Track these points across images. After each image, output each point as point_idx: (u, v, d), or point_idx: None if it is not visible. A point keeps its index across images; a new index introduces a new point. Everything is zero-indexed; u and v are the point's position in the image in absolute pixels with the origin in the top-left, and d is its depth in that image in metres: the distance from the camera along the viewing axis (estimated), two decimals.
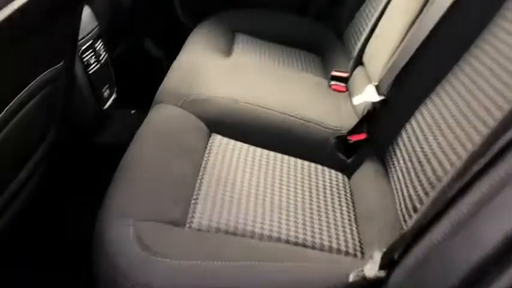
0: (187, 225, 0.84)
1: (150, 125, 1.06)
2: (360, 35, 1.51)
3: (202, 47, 1.53)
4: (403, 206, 0.87)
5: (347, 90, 1.40)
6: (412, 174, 0.90)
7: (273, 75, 1.37)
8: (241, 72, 1.34)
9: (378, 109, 1.10)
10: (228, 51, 1.56)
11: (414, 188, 0.86)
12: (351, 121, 1.19)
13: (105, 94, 1.31)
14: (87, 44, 1.22)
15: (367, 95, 1.09)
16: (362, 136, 1.13)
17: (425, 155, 0.88)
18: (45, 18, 0.91)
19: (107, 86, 1.32)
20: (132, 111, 1.46)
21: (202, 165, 0.99)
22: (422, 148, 0.90)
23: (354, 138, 1.13)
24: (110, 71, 1.36)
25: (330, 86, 1.41)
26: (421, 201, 0.80)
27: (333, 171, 1.11)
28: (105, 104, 1.31)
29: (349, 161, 1.13)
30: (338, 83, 1.42)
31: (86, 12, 1.26)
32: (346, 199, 1.02)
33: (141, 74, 1.82)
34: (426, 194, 0.79)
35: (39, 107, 1.01)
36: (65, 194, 1.31)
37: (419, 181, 0.85)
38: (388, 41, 1.17)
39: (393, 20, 1.21)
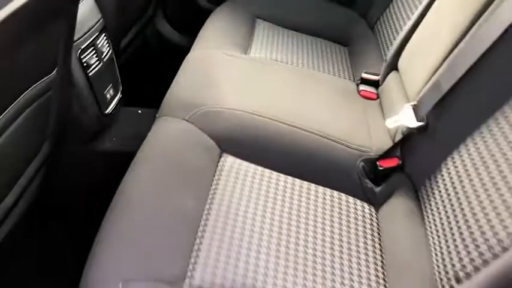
0: (187, 280, 0.72)
1: (151, 145, 0.94)
2: (396, 33, 1.35)
3: (218, 39, 1.38)
4: (441, 268, 0.74)
5: (378, 97, 1.24)
6: (455, 230, 0.76)
7: (295, 79, 1.22)
8: (259, 75, 1.19)
9: (415, 133, 0.95)
10: (246, 45, 1.41)
11: (457, 250, 0.72)
12: (382, 140, 1.05)
13: (108, 95, 1.18)
14: (87, 42, 1.09)
15: (404, 118, 0.94)
16: (394, 162, 0.98)
17: (472, 209, 0.74)
18: (34, 27, 0.78)
19: (110, 86, 1.19)
20: (139, 111, 1.33)
21: (209, 197, 0.87)
22: (467, 197, 0.76)
23: (385, 164, 0.98)
24: (114, 68, 1.23)
25: (359, 91, 1.26)
26: (467, 274, 0.66)
27: (358, 201, 0.97)
28: (108, 107, 1.18)
29: (377, 189, 0.99)
30: (368, 88, 1.26)
31: (88, 4, 1.12)
32: (373, 240, 0.89)
33: (154, 64, 1.69)
34: (474, 266, 0.66)
35: (30, 121, 0.90)
36: (66, 198, 1.22)
37: (464, 243, 0.71)
38: (431, 51, 1.00)
39: (439, 24, 1.04)
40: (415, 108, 0.95)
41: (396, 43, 1.21)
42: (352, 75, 1.42)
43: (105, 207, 0.82)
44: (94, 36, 1.12)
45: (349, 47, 1.60)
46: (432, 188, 0.88)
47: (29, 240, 1.12)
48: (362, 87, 1.26)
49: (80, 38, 1.07)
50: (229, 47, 1.33)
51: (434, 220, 0.84)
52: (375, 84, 1.29)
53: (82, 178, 1.18)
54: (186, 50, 1.36)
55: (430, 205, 0.87)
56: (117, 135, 1.22)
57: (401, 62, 1.17)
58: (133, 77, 1.45)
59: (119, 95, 1.24)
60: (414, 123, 0.92)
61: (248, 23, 1.55)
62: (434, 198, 0.86)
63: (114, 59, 1.23)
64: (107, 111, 1.17)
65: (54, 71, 0.91)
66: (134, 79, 1.45)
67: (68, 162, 1.16)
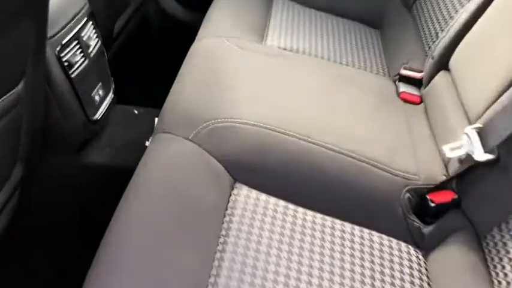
0: None
1: (147, 174, 0.75)
2: (443, 19, 1.12)
3: (229, 23, 1.18)
4: None
5: (421, 101, 1.03)
6: None
7: (322, 79, 1.01)
8: (278, 75, 0.98)
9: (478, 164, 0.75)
10: (261, 30, 1.20)
11: None
12: (431, 165, 0.85)
13: (97, 97, 0.99)
14: (69, 35, 0.89)
15: (468, 147, 0.74)
16: (448, 196, 0.79)
17: None
18: None
19: (99, 85, 0.99)
20: (136, 111, 1.13)
21: (219, 248, 0.69)
22: None
23: (437, 198, 0.79)
24: (103, 63, 1.03)
25: (398, 93, 1.05)
26: None
27: (403, 245, 0.79)
28: (97, 112, 0.98)
29: (426, 230, 0.80)
30: (409, 88, 1.05)
31: None
32: None
33: (154, 49, 1.47)
34: None
35: None
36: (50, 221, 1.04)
37: None
38: (501, 56, 0.79)
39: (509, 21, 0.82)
40: (481, 134, 0.74)
41: (447, 36, 0.98)
42: (387, 67, 1.21)
43: (97, 232, 0.67)
44: (78, 27, 0.92)
45: (381, 29, 1.38)
46: (504, 242, 0.69)
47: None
48: (402, 87, 1.05)
49: (59, 32, 0.86)
50: (241, 35, 1.12)
51: (508, 283, 0.66)
52: (416, 82, 1.08)
53: (69, 198, 1.00)
54: (192, 29, 1.15)
55: (502, 262, 0.68)
56: (109, 144, 1.03)
57: (455, 63, 0.95)
58: (128, 67, 1.25)
59: (110, 95, 1.04)
60: (482, 157, 0.72)
61: (264, 1, 1.33)
62: (508, 253, 0.67)
63: (104, 50, 1.03)
64: (95, 117, 0.98)
65: (21, 84, 0.71)
66: (129, 70, 1.25)
67: (51, 179, 0.97)
